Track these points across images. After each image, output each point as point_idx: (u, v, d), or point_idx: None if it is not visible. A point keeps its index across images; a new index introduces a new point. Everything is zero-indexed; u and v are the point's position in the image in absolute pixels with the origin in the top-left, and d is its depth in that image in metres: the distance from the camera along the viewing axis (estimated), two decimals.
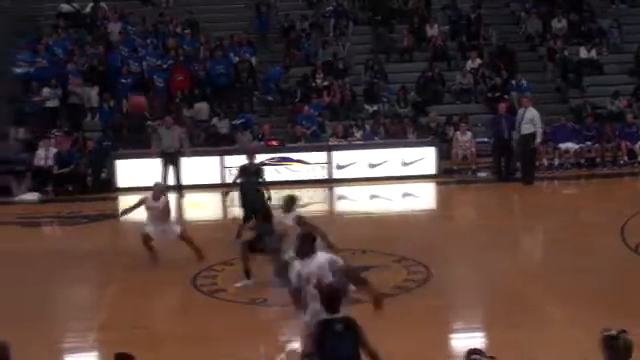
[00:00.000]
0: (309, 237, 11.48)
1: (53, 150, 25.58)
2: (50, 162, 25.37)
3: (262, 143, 26.25)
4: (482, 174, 26.26)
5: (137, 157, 25.56)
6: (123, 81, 28.86)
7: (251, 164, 20.07)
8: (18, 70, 29.25)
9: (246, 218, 19.03)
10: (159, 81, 28.96)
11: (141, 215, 18.81)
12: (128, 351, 8.48)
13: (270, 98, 29.19)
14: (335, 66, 30.01)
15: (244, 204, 19.60)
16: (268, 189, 19.51)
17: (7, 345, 8.65)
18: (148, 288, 16.56)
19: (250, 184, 19.64)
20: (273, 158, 25.59)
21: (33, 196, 24.86)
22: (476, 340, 13.19)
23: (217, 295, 15.97)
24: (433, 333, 13.63)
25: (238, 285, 16.26)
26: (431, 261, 17.25)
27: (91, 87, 28.86)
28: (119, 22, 31.70)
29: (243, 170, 19.93)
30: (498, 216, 22.34)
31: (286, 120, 28.31)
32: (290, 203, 15.94)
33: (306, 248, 11.23)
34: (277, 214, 16.21)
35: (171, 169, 24.38)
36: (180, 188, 24.29)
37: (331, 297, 9.26)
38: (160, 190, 18.14)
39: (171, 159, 24.39)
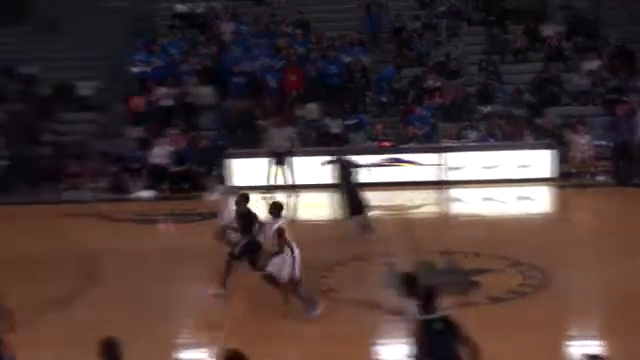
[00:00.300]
0: None
1: (169, 148, 25.93)
2: (166, 160, 25.71)
3: (374, 144, 26.14)
4: (601, 178, 25.61)
5: (250, 156, 25.73)
6: (235, 80, 29.06)
7: (350, 162, 20.14)
8: (135, 70, 29.72)
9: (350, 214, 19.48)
10: (272, 81, 29.09)
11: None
12: (239, 348, 8.48)
13: (384, 98, 29.06)
14: (447, 67, 29.73)
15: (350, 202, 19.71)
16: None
17: (118, 341, 8.72)
18: (260, 286, 16.57)
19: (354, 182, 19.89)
20: (385, 159, 25.46)
21: (149, 194, 25.22)
22: (593, 347, 12.86)
23: (330, 295, 15.93)
24: (547, 338, 13.35)
25: (212, 292, 16.05)
26: (547, 265, 16.93)
27: (206, 87, 29.13)
28: (232, 22, 31.97)
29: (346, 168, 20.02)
30: (617, 221, 21.70)
31: (398, 121, 28.14)
32: (278, 209, 15.33)
33: None
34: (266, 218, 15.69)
35: (282, 169, 24.47)
36: (294, 188, 24.36)
37: (428, 297, 9.32)
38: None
39: (281, 159, 24.48)
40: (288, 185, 24.36)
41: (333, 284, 16.57)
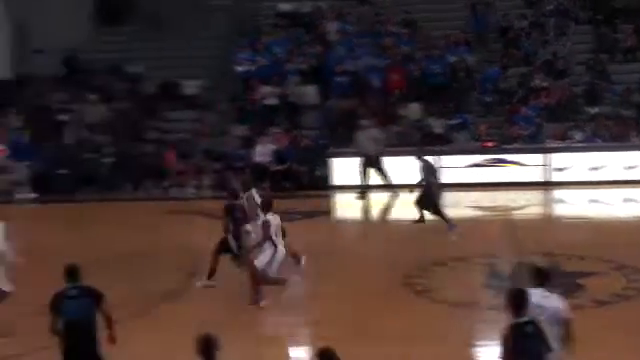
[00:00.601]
0: None
1: (271, 147, 26.05)
2: (268, 159, 25.84)
3: (478, 144, 25.86)
4: None
5: (352, 156, 25.68)
6: (339, 80, 29.05)
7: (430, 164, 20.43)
8: (239, 68, 29.96)
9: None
10: (375, 81, 28.99)
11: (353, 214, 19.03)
12: (333, 347, 8.42)
13: (488, 98, 28.71)
14: (554, 66, 29.21)
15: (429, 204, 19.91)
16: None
17: (215, 337, 8.73)
18: (359, 285, 16.58)
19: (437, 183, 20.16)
20: (488, 159, 25.15)
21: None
22: None
23: (428, 295, 15.81)
24: None
25: (198, 284, 16.54)
26: None
27: (309, 86, 29.19)
28: (336, 21, 31.97)
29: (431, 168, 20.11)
30: None
31: (503, 120, 27.76)
32: (268, 205, 15.70)
33: None
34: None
35: (372, 170, 24.38)
36: (391, 187, 24.22)
37: (518, 301, 9.25)
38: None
39: (370, 160, 24.39)
40: (383, 185, 24.18)
41: (430, 284, 16.42)
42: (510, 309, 9.25)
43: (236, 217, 16.55)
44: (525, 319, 9.14)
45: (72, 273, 10.97)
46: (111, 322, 10.98)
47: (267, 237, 15.24)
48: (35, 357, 13.40)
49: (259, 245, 15.43)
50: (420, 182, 20.11)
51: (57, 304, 10.76)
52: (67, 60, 31.82)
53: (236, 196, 16.95)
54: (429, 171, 20.19)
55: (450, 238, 19.49)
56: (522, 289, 9.60)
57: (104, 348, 10.83)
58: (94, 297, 10.88)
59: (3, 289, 14.39)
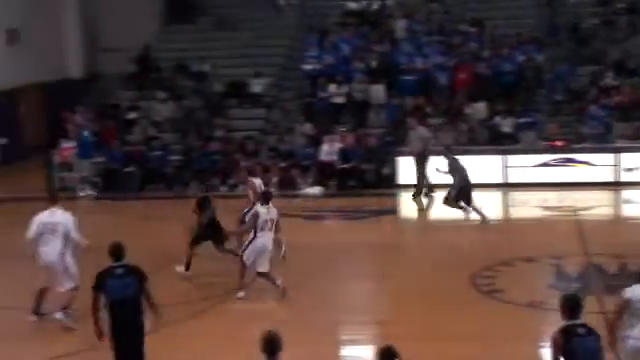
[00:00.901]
0: None
1: (337, 145, 26.00)
2: (334, 157, 25.81)
3: (546, 143, 25.56)
4: None
5: None
6: (406, 78, 28.92)
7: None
8: (306, 67, 29.99)
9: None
10: (442, 79, 28.82)
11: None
12: (396, 346, 8.36)
13: (558, 97, 28.37)
14: (626, 65, 28.75)
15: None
16: None
17: (278, 336, 8.71)
18: (426, 285, 16.50)
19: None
20: (557, 159, 24.84)
21: (317, 190, 25.38)
22: None
23: (495, 296, 15.68)
24: None
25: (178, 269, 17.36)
26: None
27: (376, 84, 29.09)
28: (404, 19, 31.84)
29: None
30: None
31: (573, 120, 27.39)
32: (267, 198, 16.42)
33: None
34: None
35: (419, 168, 24.29)
36: (429, 187, 24.10)
37: (571, 304, 9.31)
38: None
39: (417, 159, 24.27)
40: (423, 185, 24.10)
41: (497, 284, 16.27)
42: (563, 312, 9.31)
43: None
44: (578, 321, 9.20)
45: (117, 252, 11.25)
46: (153, 303, 11.27)
47: (251, 227, 15.82)
48: (93, 354, 13.53)
49: (241, 233, 16.39)
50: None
51: (102, 282, 11.06)
52: (136, 59, 32.13)
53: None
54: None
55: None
56: (575, 294, 9.74)
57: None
58: (138, 276, 11.16)
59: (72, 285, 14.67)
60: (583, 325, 9.18)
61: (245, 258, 15.81)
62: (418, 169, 24.10)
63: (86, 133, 26.77)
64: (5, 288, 17.52)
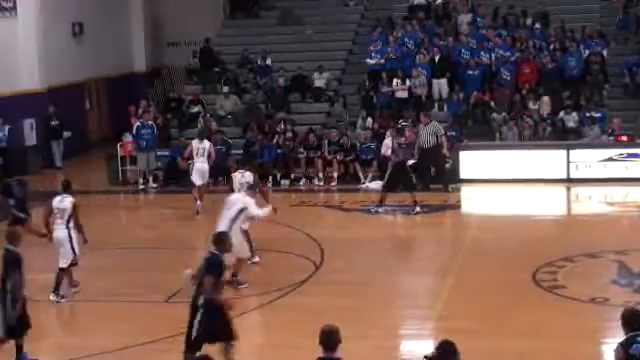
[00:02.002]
0: None
1: (399, 140, 25.86)
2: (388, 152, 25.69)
3: (611, 138, 25.23)
4: None
5: (481, 149, 25.40)
6: (470, 73, 28.73)
7: None
8: (370, 61, 29.91)
9: None
10: (505, 74, 28.56)
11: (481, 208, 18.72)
12: (454, 340, 8.30)
13: (623, 92, 27.99)
14: None
15: None
16: None
17: (337, 330, 8.70)
18: (486, 279, 16.40)
19: None
20: (622, 154, 24.48)
21: (377, 184, 25.31)
22: None
23: (557, 291, 15.53)
24: None
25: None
26: None
27: (439, 79, 28.93)
28: (469, 14, 31.62)
29: None
30: None
31: (639, 115, 26.98)
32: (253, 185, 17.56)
33: None
34: None
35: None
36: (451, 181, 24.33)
37: (630, 319, 9.28)
38: None
39: (427, 155, 24.25)
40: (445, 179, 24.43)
41: (560, 280, 16.11)
42: (624, 326, 9.29)
43: None
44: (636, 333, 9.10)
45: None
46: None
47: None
48: (162, 345, 13.68)
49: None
50: None
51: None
52: (200, 52, 32.32)
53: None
54: None
55: None
56: (636, 309, 9.65)
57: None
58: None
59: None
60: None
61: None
62: (431, 164, 24.40)
63: (149, 126, 26.90)
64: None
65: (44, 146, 29.88)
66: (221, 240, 12.32)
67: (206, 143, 22.98)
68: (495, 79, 28.71)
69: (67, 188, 16.53)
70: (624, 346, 9.07)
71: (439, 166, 24.72)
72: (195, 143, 23.01)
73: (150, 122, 26.79)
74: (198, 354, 8.27)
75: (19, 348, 13.05)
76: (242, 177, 18.41)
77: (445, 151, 24.69)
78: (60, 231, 15.98)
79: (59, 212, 16.04)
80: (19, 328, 12.93)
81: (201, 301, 11.77)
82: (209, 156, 22.86)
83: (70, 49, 32.07)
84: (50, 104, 29.89)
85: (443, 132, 24.86)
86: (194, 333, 11.79)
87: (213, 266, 11.89)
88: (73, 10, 32.40)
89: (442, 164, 24.86)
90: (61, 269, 16.11)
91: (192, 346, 11.72)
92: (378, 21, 32.06)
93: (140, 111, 28.71)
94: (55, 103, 29.96)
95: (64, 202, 16.08)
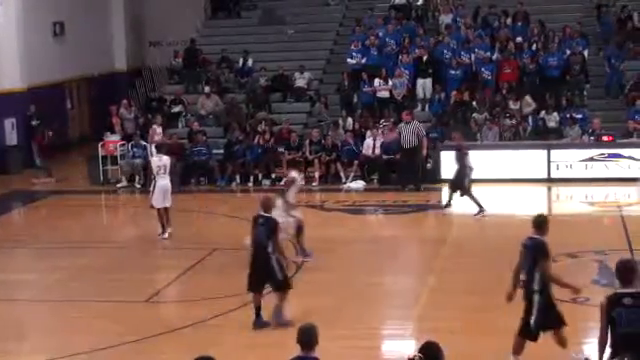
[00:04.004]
0: None
1: (380, 140, 25.93)
2: (377, 152, 25.76)
3: (592, 138, 25.33)
4: None
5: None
6: (452, 73, 28.79)
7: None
8: (351, 61, 29.91)
9: None
10: (486, 73, 28.64)
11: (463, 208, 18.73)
12: (439, 341, 8.30)
13: (603, 92, 28.14)
14: None
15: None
16: None
17: (315, 328, 8.64)
18: (467, 279, 16.41)
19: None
20: (602, 154, 24.58)
21: (359, 184, 25.35)
22: None
23: None
24: None
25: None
26: None
27: (420, 79, 28.94)
28: (450, 14, 31.69)
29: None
30: None
31: (618, 115, 27.10)
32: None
33: None
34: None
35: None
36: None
37: (621, 270, 9.37)
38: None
39: (409, 154, 24.48)
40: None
41: None
42: (617, 278, 9.42)
43: None
44: (629, 290, 9.23)
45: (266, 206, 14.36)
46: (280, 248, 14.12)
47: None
48: (143, 345, 13.64)
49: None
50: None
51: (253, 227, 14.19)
52: (185, 52, 32.26)
53: None
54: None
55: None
56: (631, 259, 9.92)
57: None
58: (271, 225, 13.93)
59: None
60: (634, 295, 9.17)
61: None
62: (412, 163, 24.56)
63: (142, 147, 26.81)
64: (47, 280, 17.66)
65: (25, 146, 29.75)
66: (541, 223, 12.35)
67: (165, 160, 20.44)
68: (477, 79, 28.77)
69: None
70: (608, 300, 9.27)
71: (420, 166, 24.80)
72: (155, 160, 20.67)
73: (142, 143, 26.67)
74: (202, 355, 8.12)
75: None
76: (159, 160, 20.05)
77: (424, 151, 24.77)
78: None
79: None
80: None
81: (537, 287, 11.93)
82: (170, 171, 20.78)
83: (51, 48, 31.97)
84: (31, 104, 29.77)
85: (424, 133, 24.97)
86: (532, 320, 11.96)
87: (541, 250, 12.04)
88: (54, 9, 32.29)
89: (423, 164, 24.94)
90: None
91: (530, 333, 12.00)
92: (357, 21, 32.09)
93: (123, 111, 28.81)
94: (36, 103, 29.84)
95: None
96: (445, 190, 23.39)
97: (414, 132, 24.68)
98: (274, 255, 13.89)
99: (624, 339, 9.26)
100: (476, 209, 21.37)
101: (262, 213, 14.29)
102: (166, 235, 20.14)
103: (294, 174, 18.62)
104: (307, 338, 8.56)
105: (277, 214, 16.31)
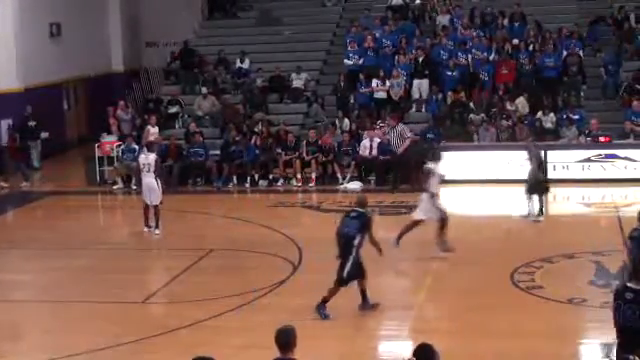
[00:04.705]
0: None
1: (377, 141, 25.91)
2: (374, 152, 25.74)
3: (589, 139, 25.34)
4: None
5: (458, 150, 25.45)
6: (449, 74, 28.80)
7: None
8: (348, 62, 29.92)
9: None
10: (484, 74, 28.66)
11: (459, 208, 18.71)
12: (432, 341, 8.29)
13: (600, 93, 28.14)
14: None
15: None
16: None
17: (292, 330, 8.62)
18: (464, 280, 16.42)
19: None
20: (599, 155, 24.59)
21: (356, 185, 25.34)
22: None
23: (535, 292, 15.57)
24: None
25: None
26: None
27: (418, 79, 28.95)
28: (447, 15, 31.71)
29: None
30: None
31: (616, 116, 27.11)
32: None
33: None
34: None
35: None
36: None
37: (635, 267, 9.62)
38: None
39: (399, 157, 24.94)
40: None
41: (537, 281, 16.17)
42: (632, 271, 9.64)
43: None
44: (633, 286, 9.39)
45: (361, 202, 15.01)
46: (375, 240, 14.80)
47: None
48: (139, 346, 13.63)
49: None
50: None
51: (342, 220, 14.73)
52: (179, 53, 32.27)
53: None
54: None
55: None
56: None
57: None
58: (364, 221, 14.45)
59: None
60: (635, 291, 9.34)
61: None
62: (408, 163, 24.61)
63: (132, 150, 26.77)
64: (44, 281, 17.65)
65: (21, 147, 29.69)
66: None
67: (151, 158, 20.48)
68: (474, 80, 28.76)
69: None
70: (615, 293, 9.62)
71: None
72: (141, 157, 20.91)
73: (133, 145, 26.60)
74: (201, 355, 8.11)
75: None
76: (146, 158, 20.47)
77: (401, 150, 25.09)
78: None
79: None
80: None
81: None
82: (155, 170, 20.54)
83: (48, 49, 31.93)
84: (28, 104, 29.74)
85: (409, 135, 25.06)
86: None
87: None
88: (51, 10, 32.25)
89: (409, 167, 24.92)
90: None
91: None
92: (352, 21, 32.10)
93: (120, 111, 28.80)
94: (33, 103, 29.81)
95: None
96: (443, 191, 23.38)
97: (399, 135, 24.98)
98: (358, 250, 14.36)
99: (620, 331, 9.49)
100: (530, 211, 20.84)
101: (356, 208, 14.81)
102: (154, 231, 20.56)
103: (429, 165, 18.41)
104: (285, 340, 8.55)
105: (423, 208, 17.48)
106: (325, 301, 14.31)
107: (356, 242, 14.33)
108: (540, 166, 21.30)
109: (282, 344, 8.51)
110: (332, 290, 14.33)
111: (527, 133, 22.63)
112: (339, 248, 14.40)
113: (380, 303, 14.72)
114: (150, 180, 20.37)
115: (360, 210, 14.75)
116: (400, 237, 17.97)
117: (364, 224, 14.49)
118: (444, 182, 18.65)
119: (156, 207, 20.44)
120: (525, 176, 20.97)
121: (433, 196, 17.87)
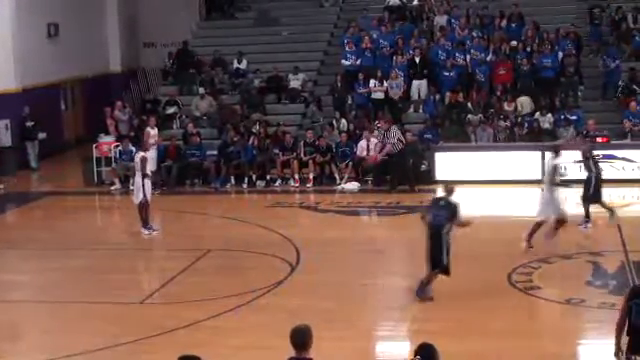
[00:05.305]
0: None
1: (374, 141, 25.93)
2: (372, 153, 25.74)
3: (586, 139, 25.33)
4: None
5: (456, 150, 25.49)
6: (447, 74, 28.82)
7: None
8: (345, 62, 29.93)
9: None
10: (481, 75, 28.68)
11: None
12: (435, 342, 8.30)
13: (598, 93, 28.17)
14: None
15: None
16: None
17: (309, 329, 8.61)
18: (462, 280, 16.38)
19: None
20: (597, 155, 24.54)
21: (354, 186, 25.35)
22: None
23: (532, 292, 15.60)
24: None
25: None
26: None
27: (415, 80, 28.97)
28: (445, 15, 31.73)
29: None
30: None
31: (613, 116, 27.14)
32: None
33: None
34: None
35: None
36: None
37: None
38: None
39: (396, 158, 24.99)
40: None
41: (535, 281, 16.18)
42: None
43: None
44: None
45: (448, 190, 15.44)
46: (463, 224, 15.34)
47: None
48: (137, 346, 13.63)
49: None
50: None
51: (429, 207, 15.66)
52: (176, 54, 32.28)
53: None
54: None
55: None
56: None
57: None
58: (452, 209, 14.94)
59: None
60: None
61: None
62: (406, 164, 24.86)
63: (128, 152, 26.76)
64: (42, 281, 17.65)
65: (19, 147, 29.72)
66: None
67: (137, 156, 20.78)
68: (471, 80, 28.79)
69: None
70: (630, 293, 9.74)
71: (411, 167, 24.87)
72: (135, 156, 21.27)
73: (129, 148, 26.55)
74: (186, 354, 8.14)
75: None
76: (136, 157, 20.74)
77: (383, 153, 25.21)
78: None
79: None
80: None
81: None
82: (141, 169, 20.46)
83: (45, 50, 31.92)
84: (25, 105, 29.73)
85: (400, 135, 25.12)
86: None
87: None
88: (48, 11, 32.24)
89: (417, 165, 25.01)
90: None
91: None
92: (349, 22, 32.12)
93: (117, 112, 28.75)
94: (30, 104, 29.81)
95: None
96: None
97: (394, 137, 25.12)
98: (448, 237, 14.96)
99: (635, 331, 9.50)
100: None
101: (444, 196, 15.45)
102: (145, 232, 20.62)
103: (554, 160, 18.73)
104: (301, 339, 8.52)
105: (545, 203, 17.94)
106: (426, 284, 15.11)
107: (445, 230, 14.91)
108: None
109: (297, 343, 8.47)
110: (429, 275, 15.23)
111: (582, 140, 22.55)
112: (429, 238, 15.03)
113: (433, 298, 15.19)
114: (137, 179, 20.57)
115: (448, 199, 15.26)
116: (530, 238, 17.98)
117: (453, 213, 14.99)
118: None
119: (139, 206, 20.48)
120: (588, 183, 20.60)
121: (552, 192, 18.13)
